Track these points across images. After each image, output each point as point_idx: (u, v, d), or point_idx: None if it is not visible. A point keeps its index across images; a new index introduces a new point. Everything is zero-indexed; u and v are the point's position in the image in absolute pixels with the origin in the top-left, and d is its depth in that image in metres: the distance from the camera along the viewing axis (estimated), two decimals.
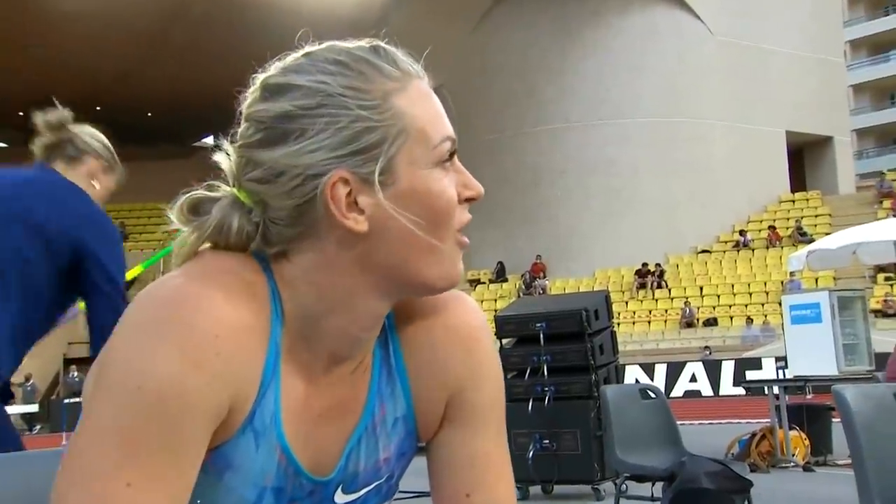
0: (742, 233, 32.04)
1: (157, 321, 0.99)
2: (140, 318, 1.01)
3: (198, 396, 0.98)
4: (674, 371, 22.20)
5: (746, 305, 28.21)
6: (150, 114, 43.38)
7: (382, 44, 1.10)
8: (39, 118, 2.79)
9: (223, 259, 1.09)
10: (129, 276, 2.98)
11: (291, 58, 1.10)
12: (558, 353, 7.82)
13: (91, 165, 2.91)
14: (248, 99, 1.10)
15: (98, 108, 41.83)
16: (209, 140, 50.67)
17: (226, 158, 1.11)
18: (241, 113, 1.11)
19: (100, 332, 2.64)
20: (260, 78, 1.10)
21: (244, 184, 1.08)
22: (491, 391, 1.22)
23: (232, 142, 1.12)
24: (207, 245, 1.11)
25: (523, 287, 30.82)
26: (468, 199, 1.11)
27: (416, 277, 1.09)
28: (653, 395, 5.72)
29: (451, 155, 1.09)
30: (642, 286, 30.22)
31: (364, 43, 1.10)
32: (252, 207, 1.08)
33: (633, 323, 28.93)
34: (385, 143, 1.04)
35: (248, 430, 1.06)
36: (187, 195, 1.11)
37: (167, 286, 1.04)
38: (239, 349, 1.02)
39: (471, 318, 1.21)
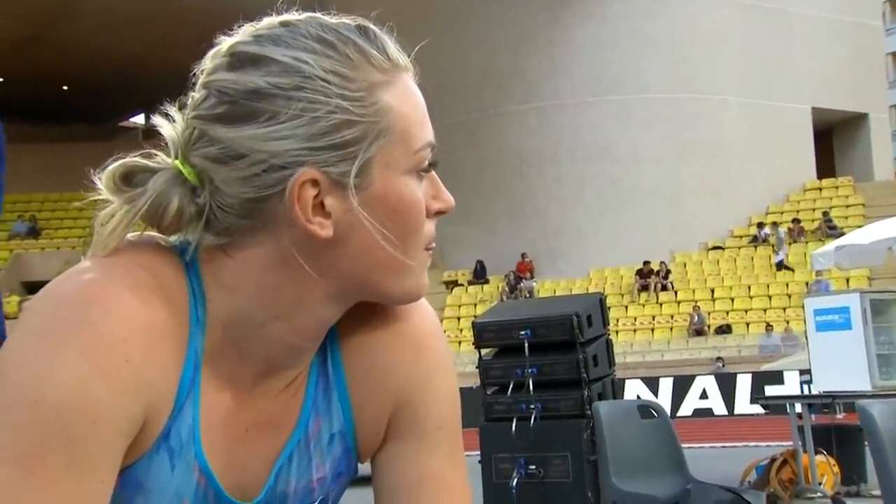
0: (760, 226, 32.18)
1: (56, 323, 1.00)
2: (38, 320, 1.01)
3: (106, 409, 0.99)
4: (681, 386, 22.27)
5: (765, 310, 28.39)
6: (64, 87, 43.01)
7: (371, 25, 1.11)
8: None
9: (137, 252, 1.09)
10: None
11: (266, 23, 1.10)
12: (545, 366, 7.83)
13: None
14: (210, 64, 1.09)
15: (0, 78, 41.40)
16: (138, 119, 50.31)
17: (169, 125, 1.11)
18: (196, 77, 1.10)
19: None
20: (228, 43, 1.10)
21: (192, 158, 1.08)
22: (442, 403, 1.23)
23: (180, 108, 1.11)
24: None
25: (507, 289, 30.84)
26: (437, 213, 1.13)
27: (377, 289, 1.11)
28: (654, 414, 5.77)
29: (430, 165, 1.11)
30: (644, 288, 30.32)
31: (349, 20, 1.10)
32: (197, 186, 1.08)
33: (634, 331, 29.04)
34: (364, 141, 1.05)
35: (161, 448, 1.07)
36: (122, 161, 1.10)
37: (70, 282, 1.04)
38: (152, 355, 1.03)
39: (422, 320, 1.23)
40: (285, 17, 1.10)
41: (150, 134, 1.17)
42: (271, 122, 1.03)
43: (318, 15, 1.10)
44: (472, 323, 8.34)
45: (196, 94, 1.09)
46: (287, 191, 1.03)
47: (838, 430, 9.92)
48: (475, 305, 30.60)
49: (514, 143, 33.36)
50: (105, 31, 36.78)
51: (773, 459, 9.52)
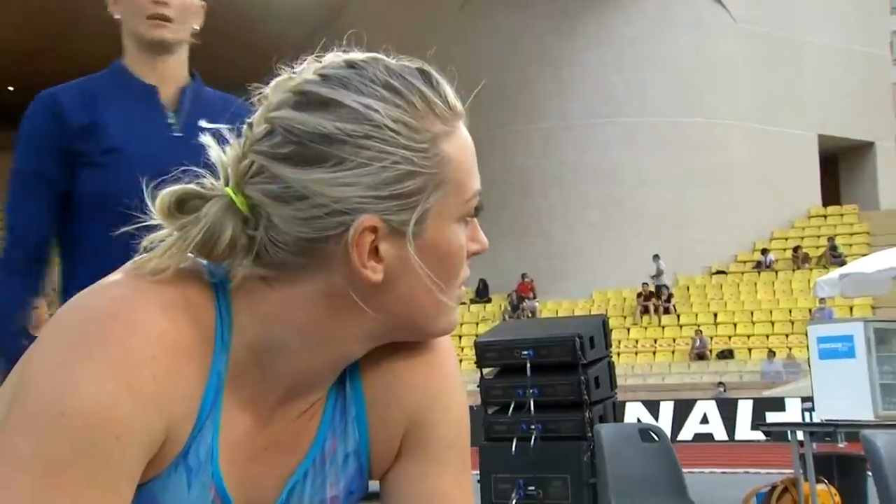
0: (764, 252, 32.23)
1: (86, 336, 1.00)
2: (66, 332, 1.02)
3: (130, 424, 0.99)
4: (682, 410, 22.25)
5: (768, 336, 28.36)
6: None
7: (432, 70, 1.12)
8: None
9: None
10: None
11: (332, 63, 1.10)
12: (547, 386, 7.83)
13: None
14: (274, 98, 1.09)
15: (10, 88, 41.51)
16: None
17: (218, 147, 1.11)
18: (253, 106, 1.10)
19: None
20: (294, 80, 1.09)
21: (247, 189, 1.07)
22: (452, 421, 1.24)
23: (237, 133, 1.11)
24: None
25: (509, 309, 30.88)
26: (473, 254, 1.15)
27: (416, 329, 1.13)
28: (655, 437, 5.74)
29: (476, 211, 1.13)
30: (647, 311, 30.34)
31: (410, 63, 1.11)
32: (248, 217, 1.08)
33: (636, 353, 29.03)
34: (425, 192, 1.07)
35: (180, 466, 1.08)
36: (175, 188, 1.10)
37: (99, 296, 1.05)
38: (177, 374, 1.03)
39: (437, 340, 1.24)
40: (350, 56, 1.11)
41: None
42: (337, 168, 1.04)
43: (381, 56, 1.11)
44: (475, 342, 8.34)
45: (257, 127, 1.08)
46: (349, 237, 1.04)
47: (840, 458, 9.88)
48: (477, 324, 30.65)
49: (520, 163, 33.44)
50: (115, 42, 36.61)
51: (774, 487, 9.49)
